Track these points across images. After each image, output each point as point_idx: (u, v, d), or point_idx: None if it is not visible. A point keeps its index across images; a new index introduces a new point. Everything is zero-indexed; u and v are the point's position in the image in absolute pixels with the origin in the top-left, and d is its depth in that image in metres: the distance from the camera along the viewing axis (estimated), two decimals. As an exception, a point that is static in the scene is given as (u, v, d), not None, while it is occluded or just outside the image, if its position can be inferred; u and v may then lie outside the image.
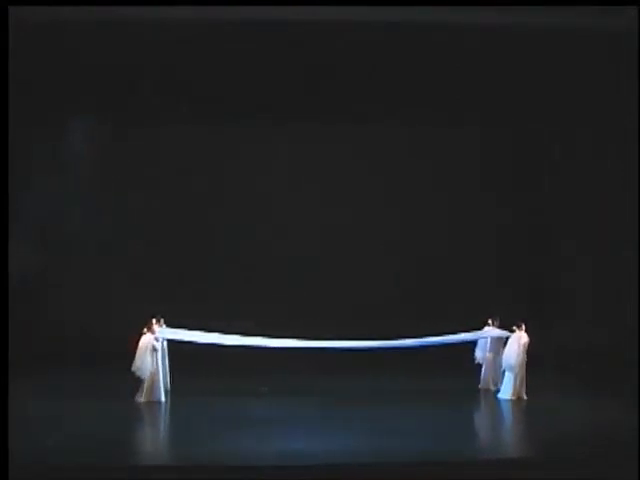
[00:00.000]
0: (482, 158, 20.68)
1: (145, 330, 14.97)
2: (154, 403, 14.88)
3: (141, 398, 14.95)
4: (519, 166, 20.80)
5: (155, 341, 14.96)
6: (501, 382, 15.86)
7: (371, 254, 20.20)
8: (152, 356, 14.91)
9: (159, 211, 19.96)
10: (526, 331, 15.61)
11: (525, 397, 15.56)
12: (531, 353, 15.52)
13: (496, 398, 15.74)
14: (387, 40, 17.98)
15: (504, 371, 15.74)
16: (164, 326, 15.28)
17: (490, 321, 16.30)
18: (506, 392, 15.63)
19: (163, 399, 15.06)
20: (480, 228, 20.40)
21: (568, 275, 20.16)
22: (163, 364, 15.25)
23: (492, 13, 16.78)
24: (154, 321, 15.10)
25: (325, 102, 19.25)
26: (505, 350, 15.69)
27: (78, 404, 14.61)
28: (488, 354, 16.33)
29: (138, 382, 14.98)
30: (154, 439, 13.60)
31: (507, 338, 15.78)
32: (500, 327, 16.16)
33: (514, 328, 15.68)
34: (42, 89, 18.08)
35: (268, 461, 11.57)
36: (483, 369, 16.46)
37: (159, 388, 15.04)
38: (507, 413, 15.25)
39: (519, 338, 15.56)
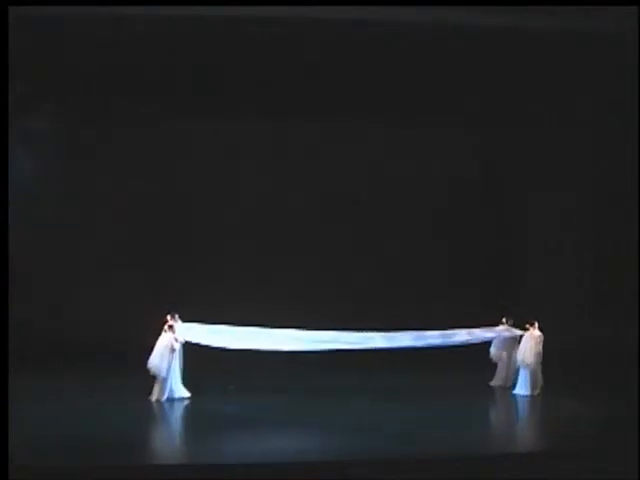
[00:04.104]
0: (471, 159, 20.83)
1: (166, 328, 14.92)
2: (160, 402, 14.80)
3: (156, 397, 14.89)
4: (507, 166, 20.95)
5: (174, 341, 14.89)
6: (515, 379, 16.09)
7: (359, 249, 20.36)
8: (170, 355, 14.87)
9: (157, 212, 20.04)
10: (539, 329, 15.88)
11: (536, 393, 15.78)
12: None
13: (510, 395, 15.96)
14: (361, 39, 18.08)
15: (519, 368, 15.98)
16: (179, 321, 15.11)
17: (504, 320, 16.51)
18: (521, 388, 15.89)
19: (177, 395, 14.99)
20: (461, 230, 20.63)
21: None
22: (179, 364, 15.12)
23: (491, 13, 16.87)
24: (169, 317, 15.02)
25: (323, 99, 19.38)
26: (520, 347, 15.98)
27: (78, 404, 14.62)
28: (503, 352, 16.53)
29: (150, 380, 14.89)
30: (154, 438, 13.59)
31: (521, 336, 16.03)
32: (513, 326, 16.40)
33: (527, 326, 15.98)
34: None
35: (262, 459, 11.65)
36: (498, 367, 16.66)
37: (171, 386, 14.97)
38: (521, 409, 15.51)
39: (532, 335, 15.85)
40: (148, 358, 14.77)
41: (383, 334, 15.90)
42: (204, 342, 15.19)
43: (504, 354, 16.51)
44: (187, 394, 15.11)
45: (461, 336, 16.13)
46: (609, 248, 19.98)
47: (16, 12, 14.73)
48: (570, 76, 19.03)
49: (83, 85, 18.94)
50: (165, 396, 14.88)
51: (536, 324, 15.92)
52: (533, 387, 15.85)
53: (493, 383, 16.63)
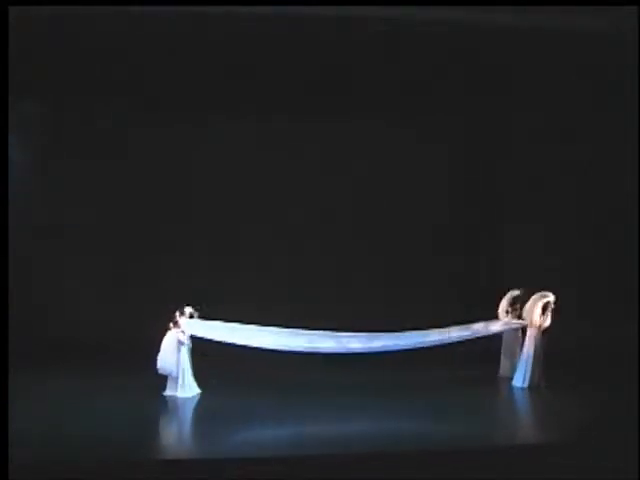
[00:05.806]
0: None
1: (171, 325, 14.88)
2: (172, 398, 14.83)
3: (169, 392, 14.89)
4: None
5: (182, 334, 14.81)
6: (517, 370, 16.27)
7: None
8: (178, 351, 14.79)
9: (159, 213, 20.05)
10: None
11: (542, 385, 15.95)
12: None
13: (511, 386, 16.13)
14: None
15: (518, 360, 16.20)
16: (196, 317, 15.00)
17: (509, 310, 16.65)
18: (519, 380, 16.05)
19: (193, 394, 14.99)
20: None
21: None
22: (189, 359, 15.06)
23: (491, 13, 16.89)
24: (178, 314, 14.93)
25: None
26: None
27: (78, 404, 14.62)
28: (506, 344, 16.68)
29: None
30: (154, 436, 13.60)
31: (522, 329, 16.28)
32: (517, 318, 16.54)
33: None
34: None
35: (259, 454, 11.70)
36: (502, 358, 16.80)
37: (189, 382, 14.96)
38: (519, 404, 15.71)
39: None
40: (149, 358, 14.78)
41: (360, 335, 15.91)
42: (209, 337, 15.09)
43: (507, 345, 16.64)
44: (198, 390, 15.07)
45: (437, 335, 16.11)
46: (609, 249, 19.97)
47: (16, 12, 14.75)
48: (570, 76, 19.03)
49: (83, 85, 18.94)
50: (184, 392, 14.81)
51: None
52: (532, 379, 15.96)
53: (500, 374, 16.78)
